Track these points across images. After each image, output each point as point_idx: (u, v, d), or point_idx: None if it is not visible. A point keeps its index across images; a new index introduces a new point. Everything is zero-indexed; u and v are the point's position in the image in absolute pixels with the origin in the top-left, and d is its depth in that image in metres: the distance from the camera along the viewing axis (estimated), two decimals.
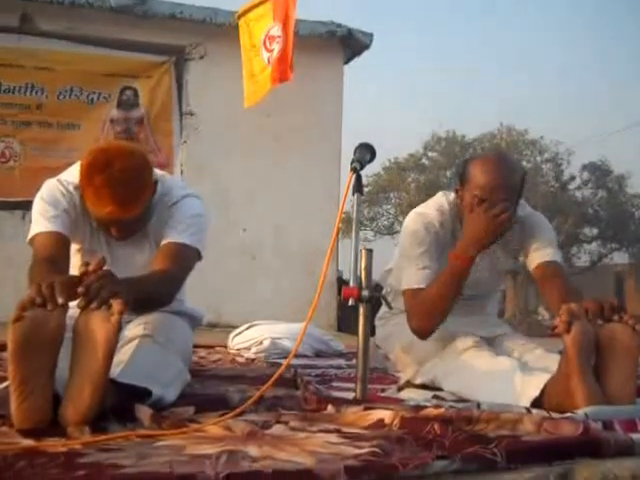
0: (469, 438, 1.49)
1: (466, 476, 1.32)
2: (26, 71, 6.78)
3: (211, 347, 4.06)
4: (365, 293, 2.03)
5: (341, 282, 6.82)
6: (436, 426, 1.60)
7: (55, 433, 1.55)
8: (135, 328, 2.15)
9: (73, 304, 1.71)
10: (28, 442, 1.48)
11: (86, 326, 1.65)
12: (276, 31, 5.98)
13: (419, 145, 22.47)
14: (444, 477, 1.31)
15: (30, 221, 2.21)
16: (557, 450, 1.45)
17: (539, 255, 2.44)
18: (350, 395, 2.13)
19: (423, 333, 2.36)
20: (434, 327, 2.33)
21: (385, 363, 2.78)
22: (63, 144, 6.83)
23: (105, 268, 1.77)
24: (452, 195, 2.53)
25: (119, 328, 1.64)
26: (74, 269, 2.16)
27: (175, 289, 2.18)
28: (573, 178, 21.83)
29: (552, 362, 2.17)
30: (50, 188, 2.24)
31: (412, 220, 2.49)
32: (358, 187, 2.17)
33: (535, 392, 2.02)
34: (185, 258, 2.20)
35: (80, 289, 1.67)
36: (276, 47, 5.96)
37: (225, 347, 4.05)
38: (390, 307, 2.32)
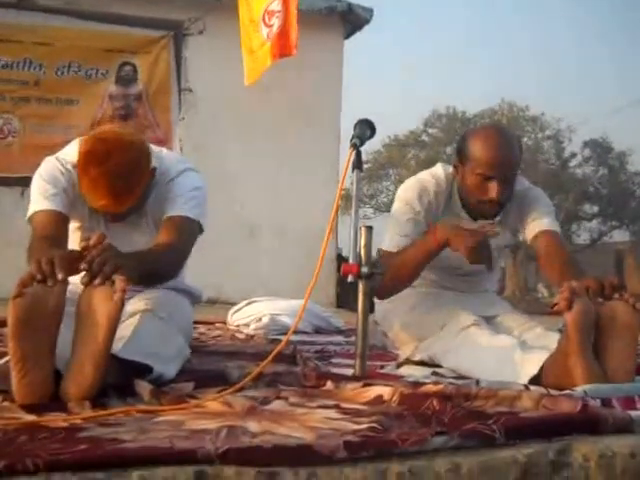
0: (468, 414, 1.50)
1: (465, 452, 1.33)
2: (24, 47, 6.73)
3: (211, 323, 4.07)
4: (364, 270, 2.03)
5: (340, 259, 6.83)
6: (435, 402, 1.61)
7: (56, 408, 1.56)
8: (137, 303, 2.15)
9: (73, 279, 1.71)
10: (29, 417, 1.48)
11: (89, 303, 1.65)
12: (276, 6, 5.91)
13: (419, 121, 22.44)
14: (443, 453, 1.32)
15: (29, 198, 2.21)
16: (555, 427, 1.45)
17: (537, 225, 2.43)
18: (349, 372, 2.14)
19: (382, 293, 2.44)
20: (393, 292, 2.44)
21: (384, 340, 2.78)
22: (62, 120, 6.80)
23: (106, 242, 1.77)
24: (450, 168, 2.53)
25: (122, 306, 1.64)
26: (73, 247, 2.16)
27: (180, 262, 2.18)
28: (574, 155, 21.79)
29: (551, 340, 2.17)
30: (49, 166, 2.23)
31: (408, 186, 2.50)
32: (358, 163, 2.16)
33: (534, 370, 2.02)
34: (187, 231, 2.19)
35: (83, 265, 1.67)
36: (275, 22, 5.89)
37: (225, 323, 4.07)
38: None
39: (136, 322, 2.02)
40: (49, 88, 6.82)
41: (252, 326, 3.78)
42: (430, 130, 22.31)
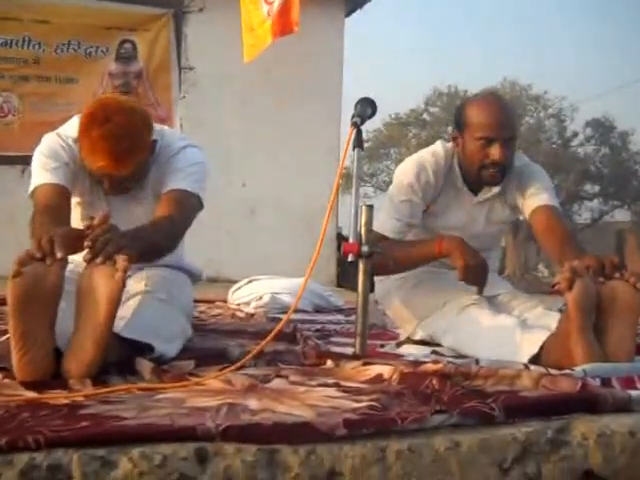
0: (467, 393, 1.51)
1: (464, 430, 1.34)
2: (24, 24, 6.67)
3: (211, 302, 4.07)
4: (365, 249, 2.03)
5: (341, 238, 6.83)
6: (435, 381, 1.61)
7: (57, 386, 1.57)
8: (136, 284, 2.15)
9: (74, 258, 1.71)
10: (31, 394, 1.49)
11: (90, 282, 1.65)
12: None
13: (420, 100, 22.34)
14: (442, 431, 1.32)
15: (29, 176, 2.20)
16: (555, 406, 1.46)
17: (535, 200, 2.42)
18: (349, 350, 2.14)
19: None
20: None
21: (384, 319, 2.79)
22: (61, 98, 6.75)
23: (110, 222, 1.77)
24: (450, 144, 2.52)
25: (123, 285, 1.65)
26: (74, 222, 2.16)
27: (179, 235, 2.18)
28: (576, 134, 21.71)
29: (552, 320, 2.17)
30: (49, 142, 2.23)
31: (406, 166, 2.50)
32: (358, 142, 2.15)
33: (534, 349, 2.03)
34: (187, 204, 2.19)
35: (86, 243, 1.68)
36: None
37: (225, 302, 4.07)
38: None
39: (137, 303, 2.03)
40: (49, 66, 6.77)
41: (252, 305, 3.79)
42: (431, 109, 22.22)
